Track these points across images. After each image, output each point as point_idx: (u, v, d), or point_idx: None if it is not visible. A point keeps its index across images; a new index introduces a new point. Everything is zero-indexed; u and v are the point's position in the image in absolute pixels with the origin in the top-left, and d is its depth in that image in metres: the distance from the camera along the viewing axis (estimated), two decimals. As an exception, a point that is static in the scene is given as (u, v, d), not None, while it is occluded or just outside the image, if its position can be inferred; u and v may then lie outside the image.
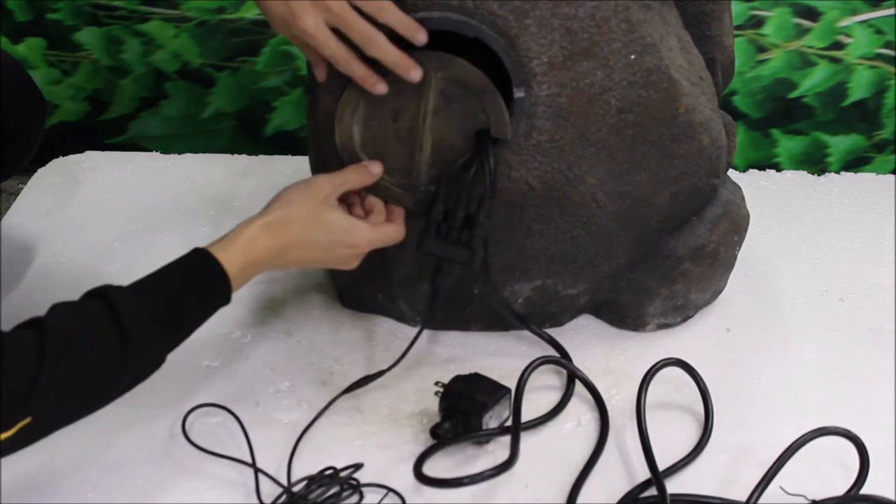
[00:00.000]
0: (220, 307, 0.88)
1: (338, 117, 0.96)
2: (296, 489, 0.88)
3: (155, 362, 0.84)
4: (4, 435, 0.74)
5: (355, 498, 0.88)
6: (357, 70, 0.89)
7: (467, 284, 1.02)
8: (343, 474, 0.89)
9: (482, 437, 0.94)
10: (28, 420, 0.75)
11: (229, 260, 0.87)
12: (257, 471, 0.91)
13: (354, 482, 0.89)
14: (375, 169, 0.96)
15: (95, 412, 0.82)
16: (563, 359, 1.03)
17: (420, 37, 0.88)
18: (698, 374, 0.97)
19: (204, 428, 0.96)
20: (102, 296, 0.80)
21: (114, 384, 0.80)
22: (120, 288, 0.82)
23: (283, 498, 0.87)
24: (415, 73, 0.89)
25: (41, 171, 1.41)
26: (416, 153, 0.96)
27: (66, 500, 0.89)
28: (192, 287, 0.86)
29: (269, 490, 0.89)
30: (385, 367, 1.00)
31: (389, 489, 0.89)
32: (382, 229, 0.96)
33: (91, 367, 0.78)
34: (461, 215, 0.95)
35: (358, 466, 0.91)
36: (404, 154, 0.96)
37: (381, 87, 0.91)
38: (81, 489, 0.90)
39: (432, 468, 0.89)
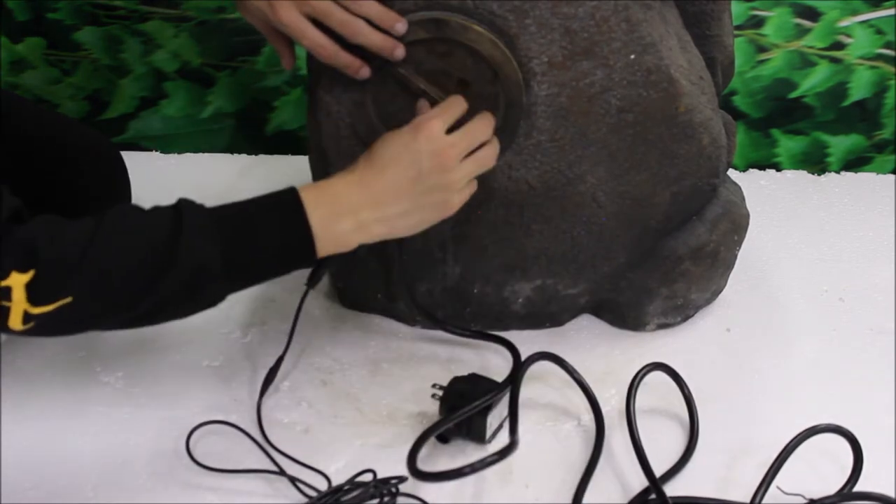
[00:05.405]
0: (297, 256, 0.83)
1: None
2: (310, 490, 0.88)
3: (206, 279, 0.78)
4: (42, 309, 0.73)
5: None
6: (341, 58, 0.89)
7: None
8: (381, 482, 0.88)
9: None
10: (69, 300, 0.74)
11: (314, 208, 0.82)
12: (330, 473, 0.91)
13: (394, 490, 0.87)
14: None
15: (134, 325, 0.79)
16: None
17: (399, 27, 0.89)
18: (682, 379, 0.97)
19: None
20: (175, 203, 0.80)
21: (157, 283, 0.76)
22: (196, 203, 0.80)
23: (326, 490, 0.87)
24: (399, 52, 0.90)
25: (41, 171, 1.40)
26: None
27: (66, 500, 0.88)
28: (269, 230, 0.81)
29: (279, 488, 0.89)
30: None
31: (424, 502, 0.88)
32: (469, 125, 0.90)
33: (136, 257, 0.76)
34: None
35: (402, 479, 0.88)
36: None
37: (364, 72, 0.91)
38: (81, 489, 0.90)
39: (434, 464, 0.89)
